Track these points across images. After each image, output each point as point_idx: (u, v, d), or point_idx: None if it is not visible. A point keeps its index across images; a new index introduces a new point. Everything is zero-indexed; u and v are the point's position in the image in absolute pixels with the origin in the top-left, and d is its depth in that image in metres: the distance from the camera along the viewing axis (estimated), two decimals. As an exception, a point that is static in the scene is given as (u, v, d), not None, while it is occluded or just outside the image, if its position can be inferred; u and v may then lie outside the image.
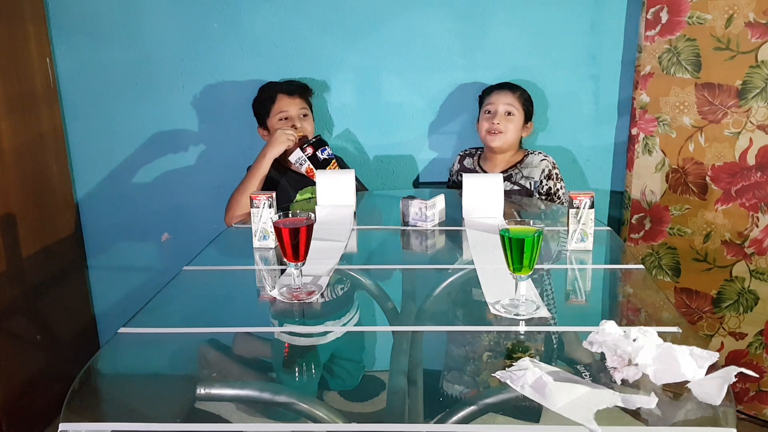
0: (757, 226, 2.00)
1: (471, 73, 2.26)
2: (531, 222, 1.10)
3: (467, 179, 1.69)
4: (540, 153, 2.09)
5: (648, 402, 0.80)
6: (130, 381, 0.99)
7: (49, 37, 2.25)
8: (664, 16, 2.04)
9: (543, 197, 2.03)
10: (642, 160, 2.18)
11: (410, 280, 1.38)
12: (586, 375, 0.89)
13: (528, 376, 0.85)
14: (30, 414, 2.11)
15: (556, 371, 0.88)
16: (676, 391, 0.85)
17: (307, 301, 1.18)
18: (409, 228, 1.64)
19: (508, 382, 0.87)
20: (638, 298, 1.25)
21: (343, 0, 2.21)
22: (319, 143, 1.96)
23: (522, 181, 2.04)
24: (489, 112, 2.08)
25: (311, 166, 1.95)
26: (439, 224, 1.66)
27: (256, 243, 1.49)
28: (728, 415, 0.80)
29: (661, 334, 0.93)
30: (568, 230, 1.44)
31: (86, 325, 2.50)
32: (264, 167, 1.96)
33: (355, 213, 1.75)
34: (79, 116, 2.34)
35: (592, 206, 1.41)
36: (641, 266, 1.36)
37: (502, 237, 1.08)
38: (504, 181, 2.02)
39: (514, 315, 1.09)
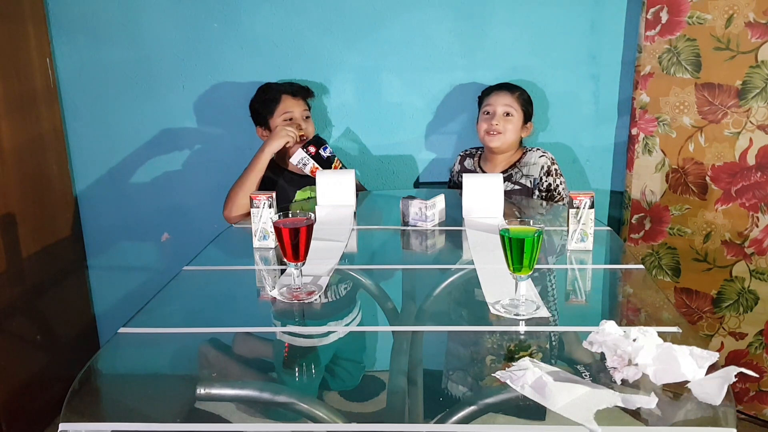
0: (757, 226, 2.00)
1: (471, 73, 2.26)
2: (531, 222, 1.10)
3: (467, 179, 1.69)
4: (538, 150, 2.08)
5: (648, 402, 0.80)
6: (130, 381, 0.99)
7: (49, 37, 2.25)
8: (664, 16, 2.04)
9: (543, 194, 2.03)
10: (642, 160, 2.18)
11: (410, 280, 1.38)
12: (586, 375, 0.89)
13: (528, 376, 0.85)
14: (30, 414, 2.11)
15: (556, 371, 0.88)
16: (676, 391, 0.85)
17: (307, 301, 1.18)
18: (409, 228, 1.64)
19: (508, 382, 0.87)
20: (638, 298, 1.25)
21: (343, 0, 2.21)
22: (320, 142, 1.96)
23: (522, 180, 2.04)
24: (488, 113, 2.08)
25: (316, 165, 1.94)
26: (439, 224, 1.66)
27: (256, 243, 1.49)
28: (728, 415, 0.80)
29: (661, 334, 0.93)
30: (568, 230, 1.44)
31: (86, 325, 2.50)
32: (263, 162, 1.95)
33: (355, 213, 1.75)
34: (79, 116, 2.34)
35: (592, 206, 1.41)
36: (641, 266, 1.36)
37: (502, 237, 1.08)
38: (504, 181, 2.02)
39: (514, 315, 1.09)
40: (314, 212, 1.71)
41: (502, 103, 2.06)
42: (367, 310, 1.26)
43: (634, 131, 2.18)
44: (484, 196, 1.67)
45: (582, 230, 1.42)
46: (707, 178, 2.06)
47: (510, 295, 1.14)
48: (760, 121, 1.94)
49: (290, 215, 1.22)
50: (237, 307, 1.26)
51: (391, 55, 2.26)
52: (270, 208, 1.46)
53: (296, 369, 1.02)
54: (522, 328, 1.06)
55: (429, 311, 1.20)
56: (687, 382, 0.85)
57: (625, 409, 0.80)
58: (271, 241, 1.49)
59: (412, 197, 1.66)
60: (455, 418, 0.83)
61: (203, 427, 0.82)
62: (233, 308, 1.25)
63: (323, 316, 1.19)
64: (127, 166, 2.38)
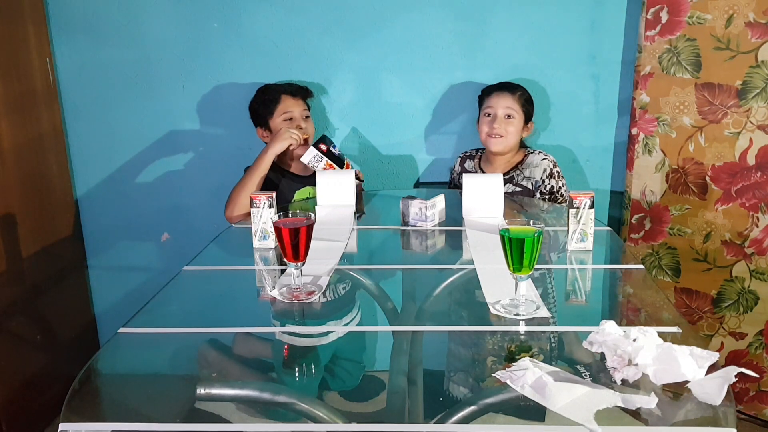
0: (757, 226, 2.00)
1: (471, 73, 2.26)
2: (531, 222, 1.10)
3: (467, 179, 1.69)
4: (540, 152, 2.09)
5: (648, 402, 0.80)
6: (130, 381, 0.99)
7: (49, 37, 2.25)
8: (664, 16, 2.04)
9: (546, 197, 2.03)
10: (642, 160, 2.18)
11: (410, 280, 1.38)
12: (586, 375, 0.89)
13: (528, 376, 0.85)
14: (30, 414, 2.11)
15: (556, 371, 0.88)
16: (676, 391, 0.85)
17: (307, 301, 1.18)
18: (409, 228, 1.64)
19: (508, 382, 0.87)
20: (638, 298, 1.25)
21: (343, 0, 2.21)
22: (327, 140, 1.95)
23: (524, 182, 2.04)
24: (489, 115, 2.07)
25: (330, 162, 1.92)
26: (439, 224, 1.66)
27: (256, 243, 1.49)
28: (728, 415, 0.80)
29: (661, 334, 0.93)
30: (568, 230, 1.44)
31: (86, 325, 2.50)
32: (266, 164, 1.95)
33: (355, 213, 1.75)
34: (79, 116, 2.34)
35: (592, 206, 1.41)
36: (641, 266, 1.36)
37: (502, 237, 1.08)
38: (506, 183, 2.03)
39: (514, 315, 1.09)
40: (314, 212, 1.71)
41: (504, 105, 2.05)
42: (367, 310, 1.26)
43: (634, 131, 2.18)
44: (484, 196, 1.67)
45: (582, 230, 1.42)
46: (707, 178, 2.06)
47: (510, 295, 1.14)
48: (760, 121, 1.94)
49: (290, 215, 1.22)
50: (237, 307, 1.26)
51: (391, 55, 2.26)
52: (270, 208, 1.46)
53: (296, 369, 1.02)
54: (522, 328, 1.06)
55: (429, 311, 1.20)
56: (687, 382, 0.85)
57: (625, 409, 0.80)
58: (271, 241, 1.49)
59: (412, 197, 1.66)
60: (455, 418, 0.83)
61: (203, 427, 0.82)
62: (233, 308, 1.25)
63: (323, 316, 1.19)
64: (127, 166, 2.38)
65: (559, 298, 1.23)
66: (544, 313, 1.09)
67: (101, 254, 2.48)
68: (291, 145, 1.97)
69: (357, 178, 2.02)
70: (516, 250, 1.06)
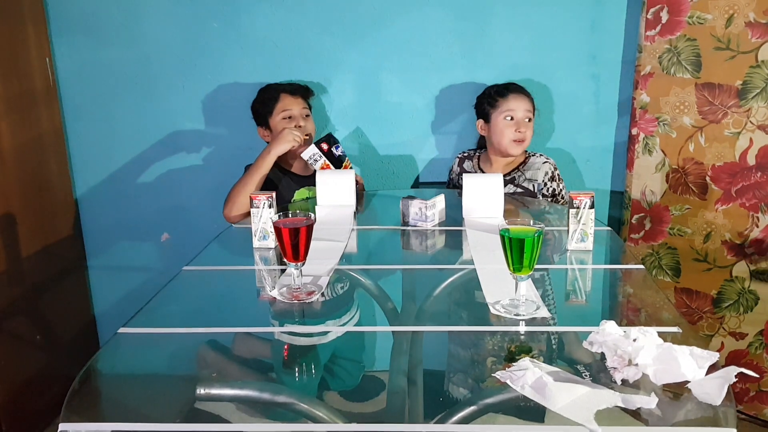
0: (757, 226, 2.00)
1: (471, 73, 2.26)
2: (531, 222, 1.10)
3: (467, 179, 1.69)
4: (541, 155, 2.09)
5: (648, 402, 0.80)
6: (130, 381, 0.99)
7: (49, 37, 2.25)
8: (664, 16, 2.04)
9: (549, 199, 2.04)
10: (642, 160, 2.18)
11: (410, 280, 1.38)
12: (586, 375, 0.89)
13: (528, 376, 0.85)
14: (30, 414, 2.11)
15: (556, 371, 0.88)
16: (676, 391, 0.85)
17: (307, 301, 1.18)
18: (409, 228, 1.64)
19: (508, 382, 0.87)
20: (638, 298, 1.25)
21: (343, 0, 2.21)
22: (332, 140, 1.95)
23: (525, 184, 2.05)
24: (511, 118, 2.04)
25: (328, 162, 1.92)
26: (439, 224, 1.66)
27: (256, 243, 1.49)
28: (728, 415, 0.80)
29: (661, 334, 0.93)
30: (568, 230, 1.44)
31: (86, 325, 2.50)
32: (267, 164, 1.95)
33: (355, 213, 1.75)
34: (79, 116, 2.34)
35: (592, 206, 1.41)
36: (641, 266, 1.36)
37: (502, 237, 1.08)
38: (507, 183, 2.03)
39: (514, 315, 1.09)
40: (314, 212, 1.71)
41: (524, 108, 2.05)
42: (367, 310, 1.26)
43: (634, 131, 2.18)
44: (484, 196, 1.67)
45: (582, 230, 1.42)
46: (707, 178, 2.06)
47: (510, 296, 1.14)
48: (760, 121, 1.94)
49: (290, 215, 1.22)
50: (237, 307, 1.26)
51: (391, 55, 2.26)
52: (270, 208, 1.46)
53: (296, 369, 1.02)
54: (522, 328, 1.06)
55: (429, 311, 1.20)
56: (687, 382, 0.85)
57: (625, 409, 0.80)
58: (271, 241, 1.49)
59: (412, 197, 1.66)
60: (455, 418, 0.83)
61: (203, 427, 0.82)
62: (233, 308, 1.25)
63: (323, 316, 1.19)
64: (127, 166, 2.38)
65: (559, 298, 1.23)
66: (544, 313, 1.09)
67: (101, 254, 2.48)
68: (293, 146, 1.97)
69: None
70: (516, 250, 1.06)
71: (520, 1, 2.19)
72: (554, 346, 1.04)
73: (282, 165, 2.08)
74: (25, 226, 2.10)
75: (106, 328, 2.53)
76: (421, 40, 2.24)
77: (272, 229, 1.44)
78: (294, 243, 1.16)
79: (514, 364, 0.91)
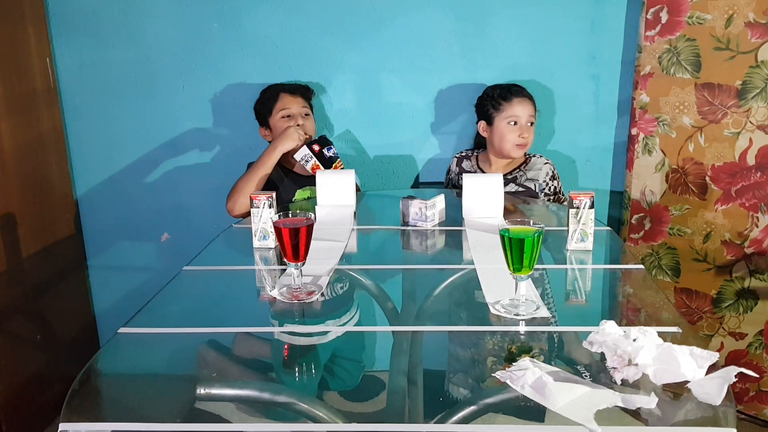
0: (757, 226, 2.00)
1: (471, 73, 2.26)
2: (531, 222, 1.10)
3: (467, 179, 1.69)
4: (541, 156, 2.11)
5: (648, 402, 0.80)
6: (130, 381, 0.99)
7: (49, 37, 2.25)
8: (664, 16, 2.04)
9: (551, 197, 2.05)
10: (642, 160, 2.18)
11: (410, 280, 1.38)
12: (586, 375, 0.89)
13: (528, 376, 0.85)
14: (30, 414, 2.11)
15: (556, 371, 0.88)
16: (676, 391, 0.85)
17: (307, 301, 1.18)
18: (409, 228, 1.64)
19: (508, 382, 0.87)
20: (638, 298, 1.25)
21: (343, 0, 2.21)
22: (325, 142, 1.97)
23: (527, 183, 2.05)
24: (515, 123, 2.05)
25: (318, 163, 1.95)
26: (439, 224, 1.66)
27: (256, 243, 1.49)
28: (728, 415, 0.80)
29: (661, 334, 0.93)
30: (568, 230, 1.44)
31: (86, 325, 2.50)
32: (273, 160, 1.96)
33: (355, 213, 1.75)
34: (79, 116, 2.34)
35: (592, 206, 1.41)
36: (641, 266, 1.36)
37: (502, 237, 1.08)
38: (509, 182, 2.04)
39: (514, 315, 1.09)
40: (314, 212, 1.71)
41: (527, 113, 2.05)
42: (367, 310, 1.26)
43: (634, 131, 2.18)
44: (484, 196, 1.67)
45: (582, 230, 1.42)
46: (707, 178, 2.06)
47: (510, 295, 1.14)
48: (760, 121, 1.94)
49: (290, 215, 1.22)
50: (237, 307, 1.26)
51: (391, 55, 2.26)
52: (270, 208, 1.46)
53: (296, 369, 1.02)
54: (522, 328, 1.06)
55: (429, 311, 1.20)
56: (687, 382, 0.85)
57: (625, 409, 0.80)
58: (271, 241, 1.49)
59: (412, 197, 1.66)
60: (455, 418, 0.83)
61: (203, 427, 0.82)
62: (233, 308, 1.25)
63: (323, 316, 1.19)
64: (127, 166, 2.38)
65: (559, 298, 1.23)
66: (544, 313, 1.09)
67: (101, 254, 2.48)
68: (298, 144, 1.98)
69: None
70: (516, 250, 1.06)
71: (520, 1, 2.19)
72: (554, 346, 1.04)
73: (284, 165, 2.08)
74: (25, 226, 2.10)
75: (106, 328, 2.53)
76: (421, 40, 2.24)
77: (272, 229, 1.44)
78: (294, 243, 1.17)
79: (514, 364, 0.91)
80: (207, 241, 1.58)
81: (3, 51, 2.02)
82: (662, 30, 2.06)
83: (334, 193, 1.76)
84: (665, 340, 0.91)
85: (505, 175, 2.07)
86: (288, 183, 2.07)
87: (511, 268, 1.09)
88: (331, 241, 1.50)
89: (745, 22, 1.91)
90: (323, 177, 1.77)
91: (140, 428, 0.81)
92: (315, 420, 0.85)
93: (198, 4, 2.23)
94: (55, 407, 2.18)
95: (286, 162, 2.08)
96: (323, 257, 1.38)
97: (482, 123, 2.13)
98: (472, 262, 1.36)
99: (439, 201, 1.67)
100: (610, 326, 0.96)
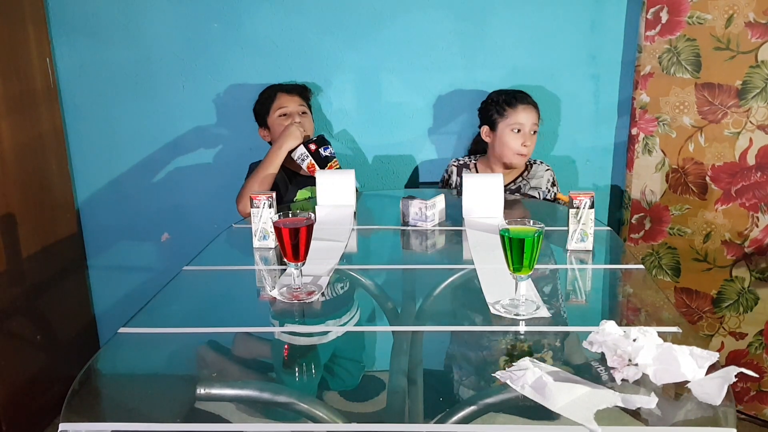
0: (757, 226, 2.00)
1: (471, 73, 2.26)
2: (531, 222, 1.10)
3: (467, 179, 1.69)
4: (542, 163, 2.12)
5: (648, 402, 0.80)
6: (130, 381, 0.99)
7: (49, 38, 2.25)
8: (664, 16, 2.04)
9: (552, 203, 2.06)
10: (642, 160, 2.18)
11: (410, 280, 1.38)
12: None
13: (528, 376, 0.85)
14: (30, 414, 2.11)
15: (556, 371, 0.88)
16: (676, 391, 0.85)
17: (307, 301, 1.18)
18: (409, 228, 1.64)
19: (508, 382, 0.87)
20: (638, 298, 1.25)
21: (343, 0, 2.21)
22: (322, 141, 1.98)
23: (530, 192, 2.05)
24: (518, 131, 2.03)
25: (313, 162, 1.96)
26: (439, 224, 1.66)
27: (256, 243, 1.49)
28: (728, 415, 0.80)
29: (661, 334, 0.93)
30: (568, 230, 1.44)
31: (86, 325, 2.50)
32: (279, 159, 1.96)
33: (355, 213, 1.75)
34: (79, 116, 2.34)
35: (592, 206, 1.41)
36: (641, 266, 1.36)
37: (502, 237, 1.08)
38: (513, 192, 2.04)
39: (514, 315, 1.09)
40: (314, 212, 1.72)
41: (532, 121, 2.04)
42: (367, 310, 1.26)
43: (634, 131, 2.18)
44: (484, 196, 1.67)
45: (582, 230, 1.42)
46: (707, 178, 2.06)
47: (510, 295, 1.14)
48: (760, 121, 1.94)
49: (290, 215, 1.22)
50: (237, 307, 1.26)
51: (391, 55, 2.26)
52: (270, 208, 1.46)
53: (296, 369, 1.02)
54: (522, 328, 1.06)
55: (429, 311, 1.20)
56: (687, 382, 0.85)
57: (625, 409, 0.80)
58: (271, 241, 1.49)
59: (412, 197, 1.66)
60: (455, 418, 0.83)
61: (203, 427, 0.82)
62: (233, 308, 1.25)
63: (323, 316, 1.19)
64: (127, 166, 2.38)
65: (559, 298, 1.23)
66: (544, 313, 1.09)
67: (101, 254, 2.48)
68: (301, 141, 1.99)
69: None
70: (516, 250, 1.06)
71: (520, 1, 2.19)
72: (554, 346, 1.04)
73: (286, 164, 2.08)
74: (25, 226, 2.10)
75: (106, 328, 2.53)
76: (421, 40, 2.24)
77: (272, 229, 1.44)
78: (294, 243, 1.17)
79: (514, 364, 0.91)
80: (207, 241, 1.58)
81: (3, 51, 2.02)
82: (662, 30, 2.06)
83: (334, 193, 1.76)
84: (665, 340, 0.91)
85: (508, 185, 2.07)
86: (290, 183, 2.07)
87: (511, 268, 1.09)
88: (331, 241, 1.51)
89: (745, 22, 1.91)
90: (323, 177, 1.77)
91: (140, 428, 0.81)
92: (315, 420, 0.85)
93: (198, 4, 2.23)
94: (55, 407, 2.18)
95: (288, 162, 2.08)
96: (323, 257, 1.38)
97: (485, 128, 2.11)
98: (472, 262, 1.36)
99: (439, 201, 1.67)
100: (610, 326, 0.96)
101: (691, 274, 2.15)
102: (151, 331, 1.09)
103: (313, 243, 1.21)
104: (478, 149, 2.23)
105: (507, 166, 2.09)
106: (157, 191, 2.40)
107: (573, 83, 2.25)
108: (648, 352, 0.88)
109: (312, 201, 1.98)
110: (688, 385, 0.85)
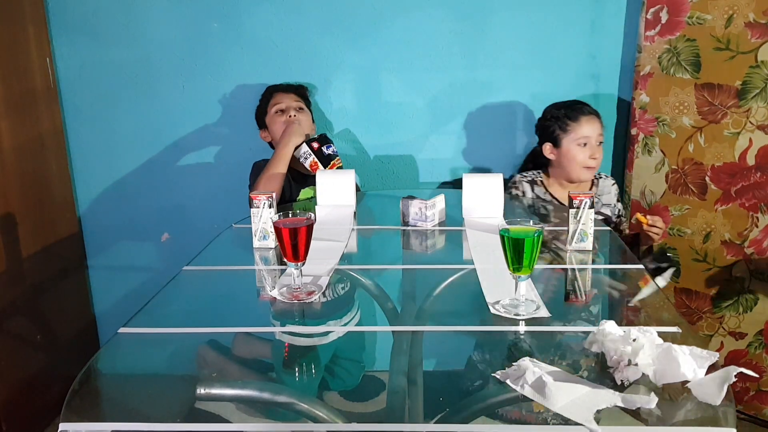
0: (757, 226, 2.00)
1: (471, 73, 2.26)
2: (531, 222, 1.11)
3: (467, 179, 1.69)
4: (608, 177, 2.09)
5: (648, 402, 0.80)
6: (130, 381, 0.99)
7: (49, 38, 2.25)
8: (664, 16, 2.04)
9: (621, 219, 2.07)
10: (642, 160, 2.18)
11: (410, 280, 1.38)
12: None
13: (528, 376, 0.85)
14: (30, 414, 2.11)
15: (556, 371, 0.88)
16: (676, 391, 0.85)
17: (307, 301, 1.18)
18: (409, 228, 1.64)
19: (508, 382, 0.87)
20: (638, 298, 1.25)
21: (343, 0, 2.21)
22: (325, 140, 1.98)
23: (603, 209, 2.02)
24: (585, 144, 1.95)
25: (316, 160, 1.96)
26: (439, 224, 1.66)
27: (256, 243, 1.49)
28: (728, 415, 0.80)
29: (661, 334, 0.93)
30: (568, 230, 1.44)
31: (86, 325, 2.50)
32: (288, 155, 1.96)
33: (355, 213, 1.75)
34: (79, 116, 2.34)
35: (592, 206, 1.41)
36: (641, 266, 1.36)
37: (502, 237, 1.08)
38: None
39: (514, 315, 1.09)
40: (314, 212, 1.72)
41: (597, 132, 1.97)
42: (367, 310, 1.26)
43: (633, 131, 2.18)
44: (484, 196, 1.67)
45: (582, 230, 1.42)
46: (707, 179, 2.06)
47: (510, 295, 1.14)
48: (760, 121, 1.94)
49: (290, 215, 1.22)
50: (237, 307, 1.26)
51: (391, 55, 2.26)
52: (270, 208, 1.46)
53: (296, 369, 1.02)
54: (522, 328, 1.06)
55: (429, 311, 1.20)
56: (687, 382, 0.85)
57: (625, 409, 0.80)
58: (271, 241, 1.49)
59: (412, 197, 1.66)
60: (455, 418, 0.83)
61: (203, 427, 0.82)
62: (233, 308, 1.25)
63: (323, 316, 1.19)
64: (126, 166, 2.38)
65: (559, 298, 1.23)
66: (544, 313, 1.09)
67: (101, 254, 2.48)
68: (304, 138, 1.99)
69: None
70: (516, 250, 1.06)
71: (520, 1, 2.19)
72: (554, 346, 1.04)
73: (291, 165, 2.08)
74: (25, 226, 2.10)
75: (106, 328, 2.53)
76: (421, 40, 2.24)
77: (272, 229, 1.44)
78: (294, 243, 1.17)
79: (513, 363, 0.91)
80: (207, 241, 1.58)
81: (3, 51, 2.02)
82: (662, 30, 2.06)
83: (335, 193, 1.76)
84: (665, 340, 0.91)
85: None
86: (293, 182, 2.07)
87: (511, 268, 1.09)
88: (331, 241, 1.51)
89: (745, 22, 1.91)
90: (323, 177, 1.77)
91: (140, 428, 0.81)
92: (315, 420, 0.85)
93: (198, 4, 2.23)
94: (55, 407, 2.17)
95: (290, 161, 2.08)
96: (323, 257, 1.38)
97: (548, 145, 2.01)
98: (472, 262, 1.36)
99: (439, 201, 1.67)
100: (610, 326, 0.96)
101: (691, 274, 2.15)
102: (151, 331, 1.10)
103: (313, 243, 1.21)
104: (537, 164, 2.12)
105: (574, 181, 2.02)
106: (157, 191, 2.40)
107: (573, 83, 2.25)
108: (648, 352, 0.88)
109: (314, 200, 1.98)
110: (688, 385, 0.85)
